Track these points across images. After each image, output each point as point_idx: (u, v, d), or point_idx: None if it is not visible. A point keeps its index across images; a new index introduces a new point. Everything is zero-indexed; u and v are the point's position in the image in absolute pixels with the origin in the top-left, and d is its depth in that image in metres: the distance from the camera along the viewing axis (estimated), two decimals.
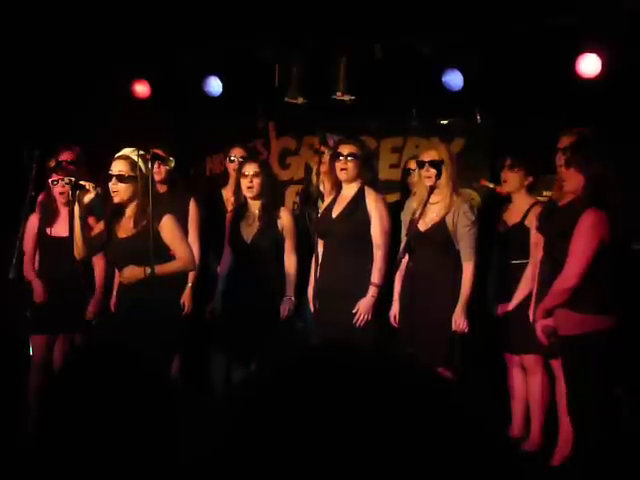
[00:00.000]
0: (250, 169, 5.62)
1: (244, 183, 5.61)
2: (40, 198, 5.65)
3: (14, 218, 5.41)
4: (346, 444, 0.70)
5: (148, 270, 4.78)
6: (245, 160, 5.91)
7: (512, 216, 5.40)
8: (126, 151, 4.97)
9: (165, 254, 4.88)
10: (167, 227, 4.87)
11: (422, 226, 5.15)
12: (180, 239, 4.94)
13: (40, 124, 6.64)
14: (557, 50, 6.11)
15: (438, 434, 0.72)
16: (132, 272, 4.85)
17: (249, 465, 0.72)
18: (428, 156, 5.17)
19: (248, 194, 5.62)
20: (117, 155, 4.96)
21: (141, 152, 4.95)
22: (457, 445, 0.72)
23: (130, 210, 4.94)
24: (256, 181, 5.57)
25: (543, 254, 4.88)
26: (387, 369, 0.77)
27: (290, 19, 6.56)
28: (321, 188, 5.79)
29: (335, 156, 5.42)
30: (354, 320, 5.23)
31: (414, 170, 5.70)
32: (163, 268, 4.82)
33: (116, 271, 5.24)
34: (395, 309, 5.31)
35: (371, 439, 0.71)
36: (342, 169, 5.39)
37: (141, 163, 4.93)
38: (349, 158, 5.38)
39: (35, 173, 5.34)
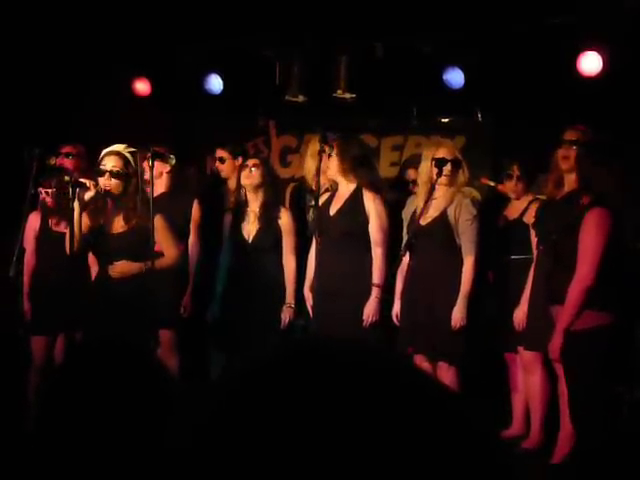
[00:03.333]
0: (251, 161, 5.71)
1: (244, 174, 5.65)
2: (40, 196, 5.64)
3: (15, 216, 5.41)
4: (327, 441, 0.70)
5: (142, 266, 4.89)
6: (237, 155, 6.01)
7: (511, 212, 5.43)
8: (118, 147, 5.00)
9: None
10: (158, 226, 4.94)
11: (423, 220, 5.16)
12: (169, 238, 5.09)
13: (40, 122, 6.64)
14: (557, 48, 6.10)
15: (423, 433, 0.72)
16: (125, 267, 4.91)
17: (228, 455, 0.72)
18: (449, 154, 5.16)
19: (246, 181, 5.63)
20: (108, 150, 4.99)
21: (132, 149, 4.99)
22: (444, 442, 0.72)
23: (122, 206, 4.97)
24: (256, 171, 5.62)
25: (541, 250, 4.89)
26: (371, 363, 0.77)
27: (291, 17, 6.55)
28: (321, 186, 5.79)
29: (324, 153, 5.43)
30: (361, 322, 5.24)
31: (415, 179, 5.70)
32: (154, 264, 4.90)
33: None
34: (397, 308, 5.32)
35: (353, 436, 0.71)
36: (328, 166, 5.40)
37: (132, 160, 4.98)
38: (338, 154, 5.39)
39: (35, 171, 5.33)
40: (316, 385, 0.73)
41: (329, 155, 5.38)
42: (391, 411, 0.72)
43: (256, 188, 5.64)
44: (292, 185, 7.22)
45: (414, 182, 5.86)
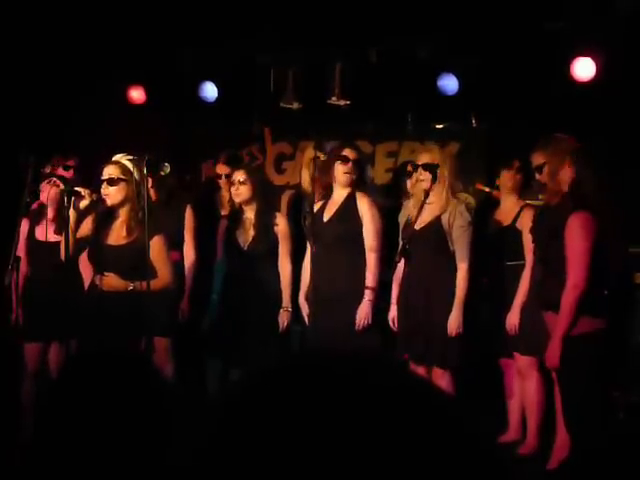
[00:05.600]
0: (237, 176, 5.67)
1: (232, 190, 5.66)
2: (33, 204, 5.65)
3: (9, 224, 5.40)
4: (327, 449, 0.71)
5: (129, 285, 4.78)
6: (233, 168, 5.98)
7: (502, 217, 5.44)
8: (117, 156, 4.98)
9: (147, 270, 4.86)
10: (156, 247, 4.82)
11: (417, 225, 5.16)
12: (165, 259, 4.94)
13: (36, 130, 6.64)
14: (552, 54, 6.13)
15: (421, 439, 0.72)
16: (113, 281, 4.82)
17: (230, 467, 0.72)
18: (422, 159, 5.20)
19: (236, 199, 5.65)
20: (109, 161, 4.97)
21: (132, 157, 4.94)
22: (441, 449, 0.72)
23: (122, 216, 4.92)
24: (243, 188, 5.60)
25: (535, 257, 4.90)
26: (372, 373, 0.77)
27: (286, 24, 6.56)
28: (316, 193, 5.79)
29: (342, 160, 5.41)
30: (355, 326, 5.23)
31: (411, 173, 5.71)
32: (144, 285, 4.76)
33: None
34: (393, 313, 5.32)
35: (351, 444, 0.71)
36: (347, 173, 5.40)
37: (132, 167, 4.92)
38: (354, 163, 5.41)
39: (30, 179, 5.33)
40: (317, 398, 0.74)
41: (344, 162, 5.40)
42: (392, 422, 0.72)
43: (248, 201, 5.63)
44: (290, 192, 7.23)
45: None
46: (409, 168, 5.91)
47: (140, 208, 4.86)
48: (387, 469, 0.70)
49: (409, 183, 5.81)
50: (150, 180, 5.18)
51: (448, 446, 0.73)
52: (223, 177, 6.27)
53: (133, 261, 4.77)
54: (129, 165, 4.93)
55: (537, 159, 4.93)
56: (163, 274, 4.90)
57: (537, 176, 4.96)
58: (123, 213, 4.91)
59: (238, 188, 5.62)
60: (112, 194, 4.88)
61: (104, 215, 4.95)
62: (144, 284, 4.71)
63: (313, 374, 0.76)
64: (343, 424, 0.71)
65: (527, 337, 5.04)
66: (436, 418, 0.74)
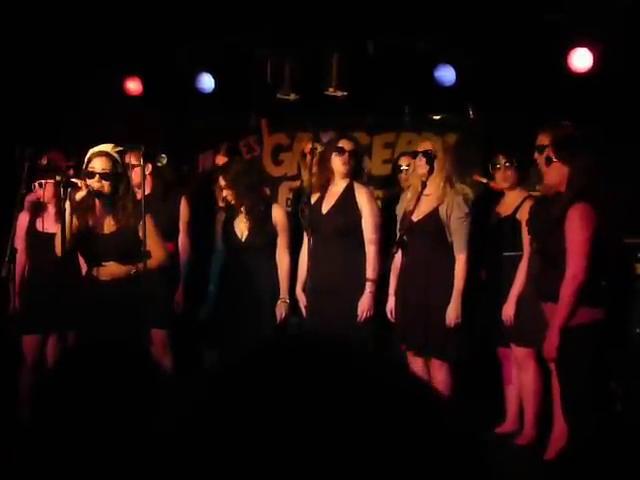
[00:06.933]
0: (220, 181, 5.70)
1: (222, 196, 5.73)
2: (29, 196, 5.64)
3: (6, 216, 5.39)
4: (308, 431, 0.71)
5: (131, 268, 4.82)
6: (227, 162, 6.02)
7: (504, 209, 5.43)
8: (105, 147, 4.92)
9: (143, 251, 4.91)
10: (146, 226, 4.85)
11: (415, 217, 5.16)
12: (157, 238, 4.98)
13: (32, 122, 6.62)
14: (549, 45, 6.12)
15: (402, 433, 0.72)
16: (114, 269, 4.84)
17: (209, 444, 0.73)
18: (422, 147, 5.21)
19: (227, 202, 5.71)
20: (95, 151, 4.90)
21: (120, 148, 4.93)
22: (425, 443, 0.72)
23: (113, 206, 4.92)
24: (227, 192, 5.63)
25: (532, 249, 4.90)
26: (354, 358, 0.77)
27: (283, 15, 6.55)
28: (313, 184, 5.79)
29: (338, 151, 5.41)
30: (354, 318, 5.24)
31: (406, 167, 5.71)
32: (141, 266, 4.83)
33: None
34: (391, 304, 5.33)
35: (335, 426, 0.71)
36: (344, 164, 5.40)
37: (120, 160, 4.92)
38: (351, 154, 5.41)
39: (27, 172, 5.31)
40: (296, 377, 0.74)
41: (341, 153, 5.40)
42: (370, 408, 0.72)
43: (237, 202, 5.62)
44: (288, 184, 7.23)
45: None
46: (401, 162, 5.93)
47: (129, 200, 4.88)
48: (364, 456, 0.70)
49: (402, 176, 5.82)
50: (147, 170, 5.18)
51: (431, 439, 0.72)
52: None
53: (129, 245, 4.82)
54: (117, 157, 4.92)
55: (542, 139, 4.91)
56: (156, 253, 4.94)
57: (536, 155, 4.93)
58: (113, 204, 4.91)
59: (225, 193, 5.65)
60: (105, 187, 4.86)
61: (94, 206, 4.93)
62: (141, 265, 4.77)
63: (295, 355, 0.76)
64: (323, 406, 0.71)
65: (524, 328, 5.05)
66: (420, 414, 0.74)
